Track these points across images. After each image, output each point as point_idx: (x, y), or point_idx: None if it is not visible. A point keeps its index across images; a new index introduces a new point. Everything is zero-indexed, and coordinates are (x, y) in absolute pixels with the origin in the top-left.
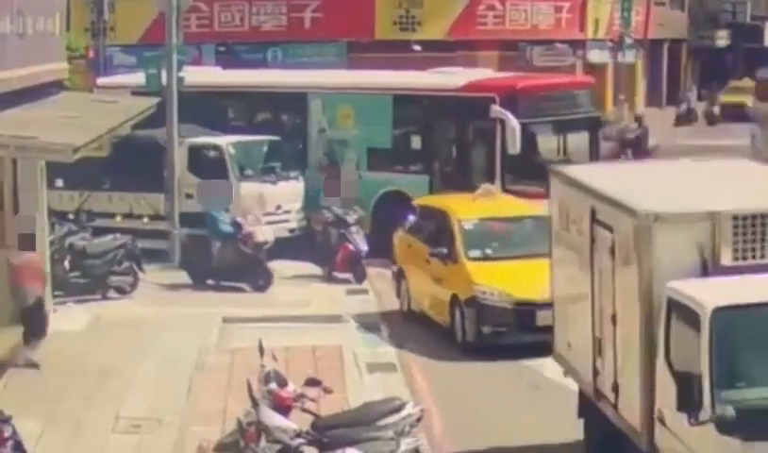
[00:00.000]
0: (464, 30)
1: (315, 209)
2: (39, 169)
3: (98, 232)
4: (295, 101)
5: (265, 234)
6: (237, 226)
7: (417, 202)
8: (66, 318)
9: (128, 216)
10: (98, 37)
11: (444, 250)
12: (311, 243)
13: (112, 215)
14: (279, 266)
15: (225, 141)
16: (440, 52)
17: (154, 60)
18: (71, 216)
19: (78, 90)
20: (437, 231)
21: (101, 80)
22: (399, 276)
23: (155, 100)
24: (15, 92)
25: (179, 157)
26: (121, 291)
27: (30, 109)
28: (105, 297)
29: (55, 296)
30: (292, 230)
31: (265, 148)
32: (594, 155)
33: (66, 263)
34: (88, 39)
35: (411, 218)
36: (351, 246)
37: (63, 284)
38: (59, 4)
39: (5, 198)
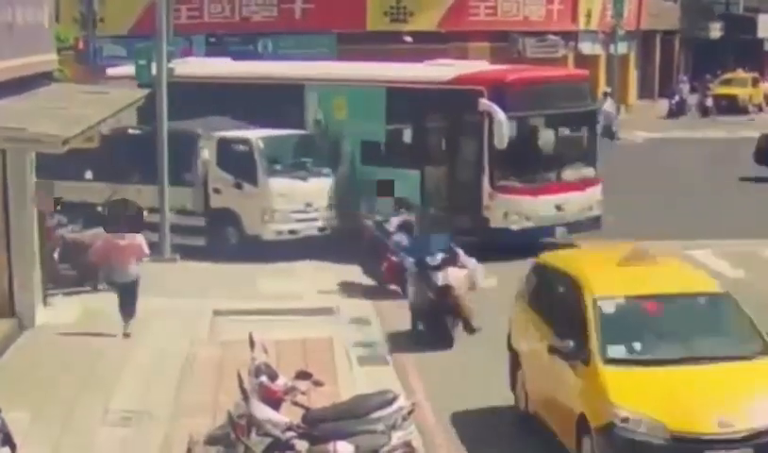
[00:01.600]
0: (456, 21)
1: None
2: (28, 161)
3: (89, 224)
4: (292, 93)
5: (452, 278)
6: (424, 265)
7: (539, 259)
8: (56, 310)
9: (155, 210)
10: (88, 28)
11: (571, 343)
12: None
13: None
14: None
15: (255, 135)
16: (431, 43)
17: (144, 52)
18: (100, 208)
19: (68, 81)
20: (563, 308)
21: (110, 70)
22: (514, 363)
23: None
24: (4, 83)
25: (209, 151)
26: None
27: (20, 101)
28: (95, 289)
29: (45, 288)
30: (321, 229)
31: (296, 143)
32: (592, 151)
33: (56, 255)
34: (77, 30)
35: (529, 277)
36: (394, 258)
37: (53, 276)
38: None
39: None
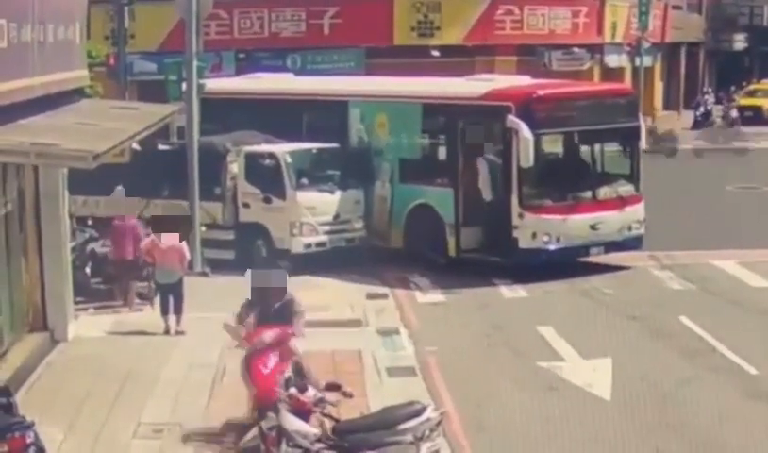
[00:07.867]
0: (482, 35)
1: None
2: (61, 176)
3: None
4: (330, 109)
5: None
6: None
7: None
8: (88, 324)
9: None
10: (118, 44)
11: None
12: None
13: None
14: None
15: (282, 149)
16: (458, 57)
17: (174, 67)
18: None
19: (99, 97)
20: None
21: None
22: None
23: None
24: (36, 99)
25: (237, 165)
26: (142, 296)
27: (51, 117)
28: (126, 304)
29: (76, 303)
30: (350, 240)
31: (323, 156)
32: (634, 168)
33: (87, 269)
34: (108, 46)
35: None
36: None
37: (85, 290)
38: (80, 12)
39: (27, 205)
